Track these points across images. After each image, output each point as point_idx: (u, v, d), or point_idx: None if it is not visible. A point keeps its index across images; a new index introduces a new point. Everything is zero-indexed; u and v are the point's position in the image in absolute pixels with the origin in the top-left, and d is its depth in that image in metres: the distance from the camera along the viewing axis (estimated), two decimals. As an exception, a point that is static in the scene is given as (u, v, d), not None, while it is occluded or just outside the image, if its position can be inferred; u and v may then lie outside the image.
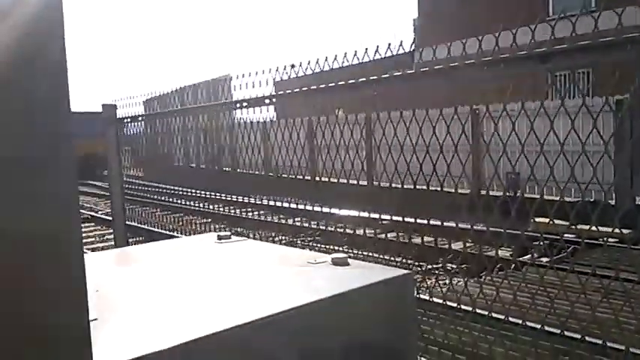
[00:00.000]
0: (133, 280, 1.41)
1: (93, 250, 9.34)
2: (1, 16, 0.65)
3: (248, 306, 1.15)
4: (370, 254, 3.89)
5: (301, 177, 4.51)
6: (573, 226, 2.28)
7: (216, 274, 1.43)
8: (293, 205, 4.91)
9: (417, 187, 2.84)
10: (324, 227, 4.14)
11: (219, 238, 1.82)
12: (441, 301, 2.58)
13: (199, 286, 1.33)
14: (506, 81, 2.38)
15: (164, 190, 13.14)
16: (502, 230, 2.34)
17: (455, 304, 2.50)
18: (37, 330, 0.71)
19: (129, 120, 4.87)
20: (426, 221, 2.88)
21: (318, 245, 6.91)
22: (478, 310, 2.40)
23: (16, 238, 0.69)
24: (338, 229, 6.22)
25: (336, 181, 3.77)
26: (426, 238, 3.30)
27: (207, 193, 8.09)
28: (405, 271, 1.35)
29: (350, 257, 1.48)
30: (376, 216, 3.67)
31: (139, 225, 8.77)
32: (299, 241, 7.04)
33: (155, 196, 12.78)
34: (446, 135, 2.55)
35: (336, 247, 4.89)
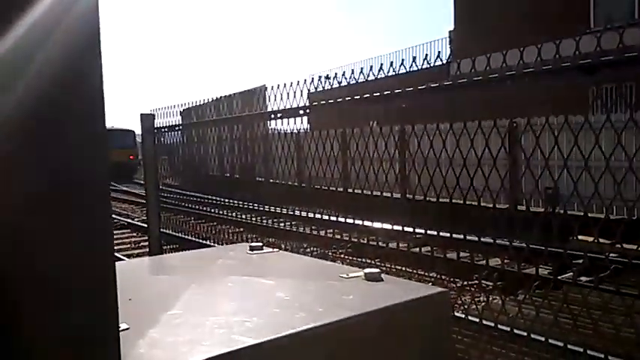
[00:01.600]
0: (165, 288, 1.41)
1: (128, 256, 9.53)
2: (39, 36, 0.65)
3: (280, 320, 1.13)
4: (403, 269, 3.82)
5: (334, 189, 4.48)
6: (618, 245, 2.18)
7: (248, 286, 1.41)
8: (325, 217, 4.88)
9: (453, 201, 2.78)
10: (355, 240, 4.10)
11: (252, 248, 1.81)
12: (477, 319, 2.49)
13: (232, 296, 1.32)
14: (547, 94, 2.31)
15: (198, 199, 13.31)
16: (543, 248, 2.25)
17: (492, 324, 2.42)
18: (66, 339, 0.71)
19: (166, 129, 4.96)
20: (462, 236, 2.80)
21: (350, 258, 6.85)
22: (516, 331, 2.31)
23: (51, 246, 0.69)
24: (370, 242, 6.16)
25: (369, 193, 3.73)
26: (461, 254, 3.22)
27: (240, 202, 8.15)
28: (442, 289, 1.30)
29: (383, 272, 1.44)
30: (410, 229, 3.61)
31: (174, 233, 8.91)
32: (330, 253, 6.99)
33: (189, 205, 12.97)
34: (484, 148, 2.49)
35: (368, 260, 4.82)
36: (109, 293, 0.71)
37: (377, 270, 1.40)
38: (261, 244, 1.85)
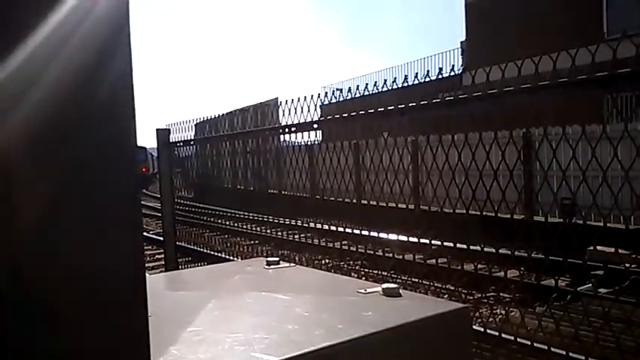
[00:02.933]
0: (184, 304, 1.42)
1: (144, 269, 9.57)
2: (69, 37, 0.67)
3: (300, 337, 1.13)
4: (419, 281, 3.80)
5: (348, 201, 4.48)
6: (634, 256, 2.15)
7: (266, 301, 1.41)
8: (340, 229, 4.87)
9: (470, 212, 2.76)
10: (372, 252, 4.09)
11: (268, 263, 1.81)
12: (496, 332, 2.46)
13: (250, 313, 1.32)
14: (561, 103, 2.30)
15: (212, 212, 13.39)
16: (562, 259, 2.23)
17: (511, 337, 2.39)
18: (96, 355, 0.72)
19: (181, 144, 5.01)
20: (479, 248, 2.78)
21: (364, 270, 6.81)
22: (536, 344, 2.28)
23: (80, 257, 0.70)
24: (386, 254, 6.13)
25: (383, 204, 3.72)
26: (478, 266, 3.19)
27: (254, 214, 8.16)
28: (462, 305, 1.30)
29: (399, 284, 1.43)
30: (426, 241, 3.58)
31: (188, 245, 8.96)
32: (344, 265, 6.97)
33: (204, 218, 13.04)
34: (501, 160, 2.49)
35: (383, 273, 4.80)
36: (140, 310, 0.72)
37: (395, 285, 1.40)
38: (277, 258, 1.85)
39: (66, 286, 0.68)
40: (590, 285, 4.87)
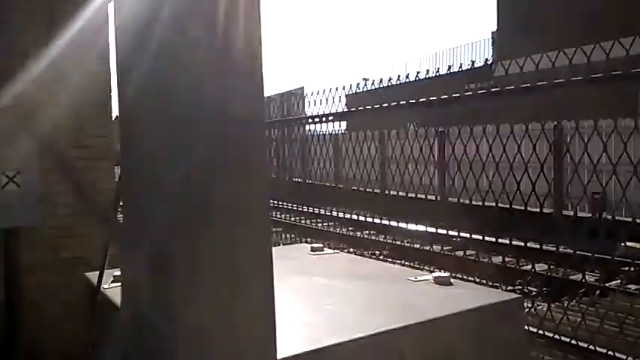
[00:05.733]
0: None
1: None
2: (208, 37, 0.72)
3: (358, 321, 1.16)
4: (452, 275, 3.80)
5: (370, 190, 4.48)
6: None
7: (318, 286, 1.44)
8: (362, 218, 4.88)
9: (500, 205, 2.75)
10: (399, 242, 4.10)
11: (313, 249, 1.84)
12: (534, 330, 2.45)
13: (304, 297, 1.35)
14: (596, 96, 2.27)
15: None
16: (590, 254, 2.21)
17: (551, 334, 2.38)
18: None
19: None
20: (507, 241, 2.77)
21: (388, 260, 6.83)
22: (580, 343, 2.26)
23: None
24: (414, 246, 6.13)
25: (412, 195, 3.72)
26: (507, 259, 3.17)
27: (278, 202, 8.19)
28: (516, 295, 1.31)
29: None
30: (454, 233, 3.58)
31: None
32: (368, 255, 6.99)
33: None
34: (532, 152, 2.48)
35: (409, 263, 4.81)
36: (268, 282, 0.78)
37: (446, 274, 1.42)
38: (321, 245, 1.88)
39: (211, 266, 0.73)
40: (619, 281, 4.81)
